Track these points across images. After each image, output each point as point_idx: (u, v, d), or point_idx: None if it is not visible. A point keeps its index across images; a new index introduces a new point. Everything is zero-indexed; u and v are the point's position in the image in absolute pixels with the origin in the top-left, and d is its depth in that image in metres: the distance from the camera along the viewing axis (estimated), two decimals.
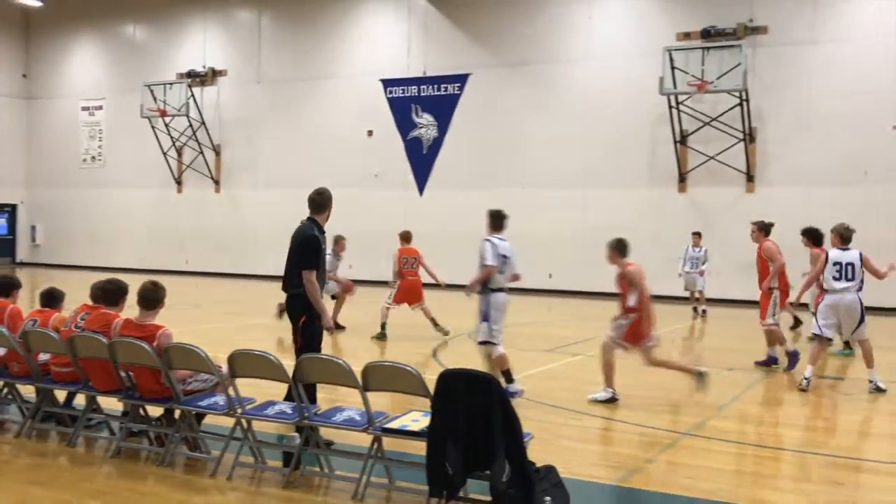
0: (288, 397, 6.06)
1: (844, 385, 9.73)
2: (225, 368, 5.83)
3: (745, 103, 19.45)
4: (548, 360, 10.89)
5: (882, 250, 18.15)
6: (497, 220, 8.60)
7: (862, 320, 9.26)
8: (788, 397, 9.23)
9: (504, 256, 8.35)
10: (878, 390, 9.02)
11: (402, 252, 13.28)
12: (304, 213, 6.88)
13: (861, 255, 9.36)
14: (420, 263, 13.26)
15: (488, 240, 8.39)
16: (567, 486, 5.04)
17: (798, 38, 19.67)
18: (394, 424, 5.42)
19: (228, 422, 5.87)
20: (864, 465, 6.35)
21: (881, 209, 18.54)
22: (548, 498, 4.72)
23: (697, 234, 17.44)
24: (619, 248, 8.62)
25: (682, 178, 20.86)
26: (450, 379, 4.98)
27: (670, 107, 20.10)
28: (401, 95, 24.47)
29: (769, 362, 10.68)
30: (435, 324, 12.87)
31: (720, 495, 5.49)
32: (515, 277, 8.67)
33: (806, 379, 9.20)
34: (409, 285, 13.07)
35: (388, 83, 24.60)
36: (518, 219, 26.59)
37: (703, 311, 17.02)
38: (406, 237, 13.60)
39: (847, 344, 11.71)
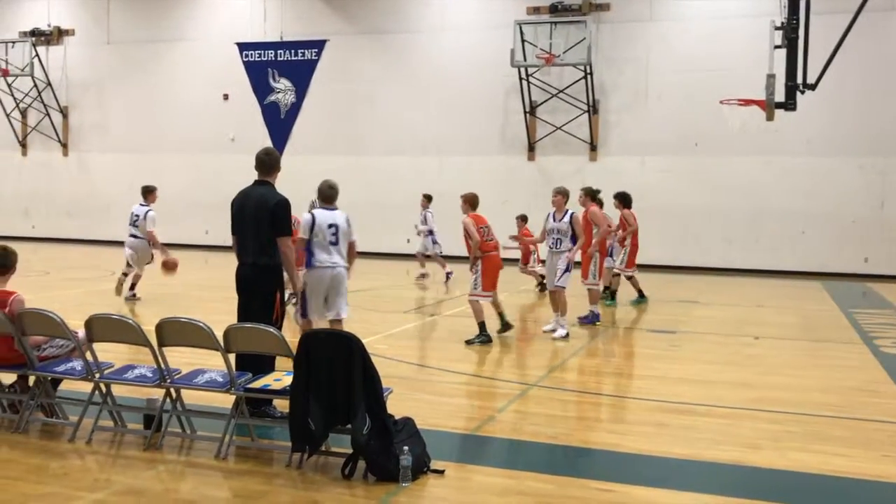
0: (242, 367, 5.90)
1: (673, 337, 10.68)
2: (81, 333, 5.78)
3: (589, 77, 20.46)
4: (406, 320, 11.25)
5: (706, 217, 19.82)
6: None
7: None
8: (619, 350, 10.06)
9: None
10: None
11: (476, 220, 9.86)
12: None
13: None
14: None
15: None
16: (424, 436, 5.31)
17: (637, 16, 20.82)
18: (256, 384, 5.55)
19: (87, 387, 5.85)
20: (683, 408, 7.11)
21: (709, 178, 20.12)
22: (406, 447, 4.99)
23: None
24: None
25: (531, 147, 21.72)
26: (313, 339, 5.18)
27: (520, 78, 20.86)
28: (257, 59, 24.02)
29: (592, 319, 11.38)
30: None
31: (560, 439, 6.02)
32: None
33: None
34: (494, 263, 9.84)
35: (244, 47, 24.11)
36: (376, 185, 26.37)
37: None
38: (472, 201, 10.05)
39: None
